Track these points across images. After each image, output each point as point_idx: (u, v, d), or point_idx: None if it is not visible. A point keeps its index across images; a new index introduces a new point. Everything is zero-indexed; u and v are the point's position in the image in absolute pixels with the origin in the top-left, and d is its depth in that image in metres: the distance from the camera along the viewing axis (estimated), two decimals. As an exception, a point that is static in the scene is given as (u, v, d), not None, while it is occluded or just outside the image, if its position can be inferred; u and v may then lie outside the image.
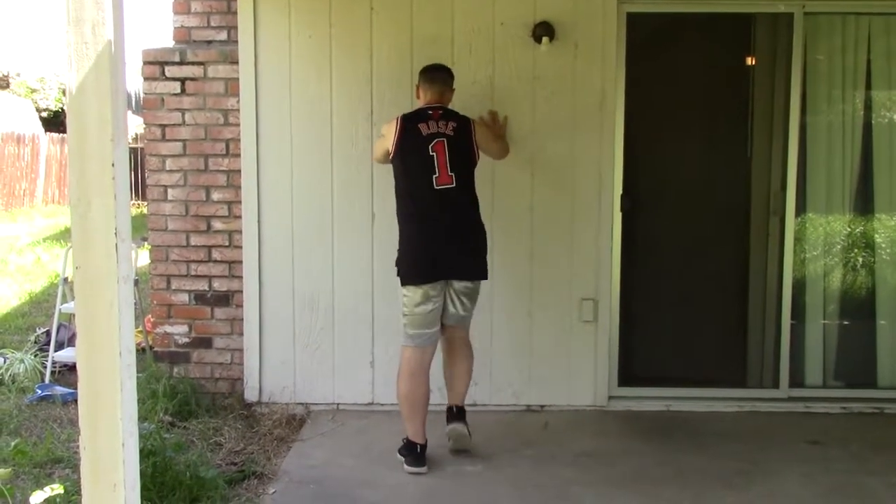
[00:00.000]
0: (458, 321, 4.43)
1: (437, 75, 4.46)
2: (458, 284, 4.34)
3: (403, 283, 4.33)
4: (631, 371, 5.31)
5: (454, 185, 4.26)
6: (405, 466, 4.27)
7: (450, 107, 4.46)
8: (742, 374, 5.54)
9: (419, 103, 4.48)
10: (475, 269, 4.40)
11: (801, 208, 5.27)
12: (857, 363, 5.47)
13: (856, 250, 5.48)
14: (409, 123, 4.32)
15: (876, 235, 5.43)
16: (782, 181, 5.19)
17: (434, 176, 4.23)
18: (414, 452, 4.28)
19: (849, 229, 5.45)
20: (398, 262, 4.39)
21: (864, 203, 5.41)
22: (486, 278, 4.47)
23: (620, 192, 5.07)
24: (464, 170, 4.32)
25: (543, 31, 4.87)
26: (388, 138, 4.37)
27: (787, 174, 5.16)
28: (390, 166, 4.44)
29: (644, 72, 5.18)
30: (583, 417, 5.05)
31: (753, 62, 5.53)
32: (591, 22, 4.94)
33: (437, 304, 4.29)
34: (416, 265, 4.31)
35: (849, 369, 5.46)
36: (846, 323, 5.51)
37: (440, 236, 4.28)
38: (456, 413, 4.53)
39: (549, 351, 5.11)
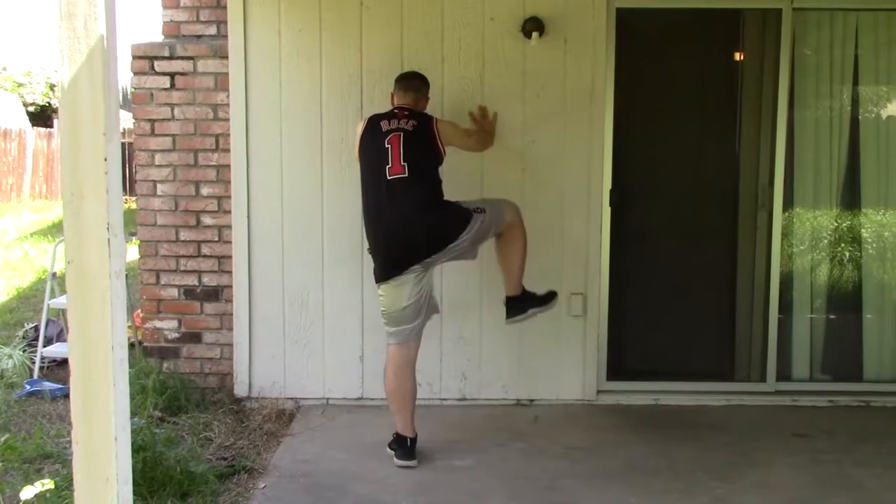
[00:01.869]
0: (480, 234, 4.35)
1: (411, 83, 4.53)
2: (432, 259, 4.27)
3: (376, 282, 4.37)
4: (619, 365, 5.34)
5: (406, 174, 4.24)
6: (395, 460, 4.28)
7: (429, 109, 4.54)
8: (730, 367, 5.57)
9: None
10: (436, 241, 4.27)
11: (788, 203, 5.31)
12: (843, 357, 5.52)
13: (842, 245, 5.52)
14: (374, 122, 4.41)
15: (862, 230, 5.47)
16: (770, 176, 5.23)
17: (387, 166, 4.25)
18: (404, 446, 4.30)
19: (836, 224, 5.49)
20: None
21: (851, 198, 5.45)
22: (454, 240, 4.26)
23: (610, 186, 5.09)
24: (419, 163, 4.29)
25: (533, 26, 4.88)
26: (357, 136, 4.46)
27: (774, 169, 5.19)
28: None
29: (633, 67, 5.20)
30: (572, 411, 5.08)
31: (742, 57, 5.56)
32: (581, 17, 4.96)
33: (410, 298, 4.27)
34: (378, 262, 4.34)
35: (835, 363, 5.51)
36: (833, 317, 5.56)
37: (392, 228, 4.26)
38: (511, 301, 4.56)
39: (538, 345, 5.13)
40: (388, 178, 4.25)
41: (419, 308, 4.32)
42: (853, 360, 5.46)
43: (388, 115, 4.42)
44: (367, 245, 4.49)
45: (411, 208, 4.24)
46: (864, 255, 5.48)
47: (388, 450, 4.36)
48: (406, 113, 4.41)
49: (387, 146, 4.28)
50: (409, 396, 4.35)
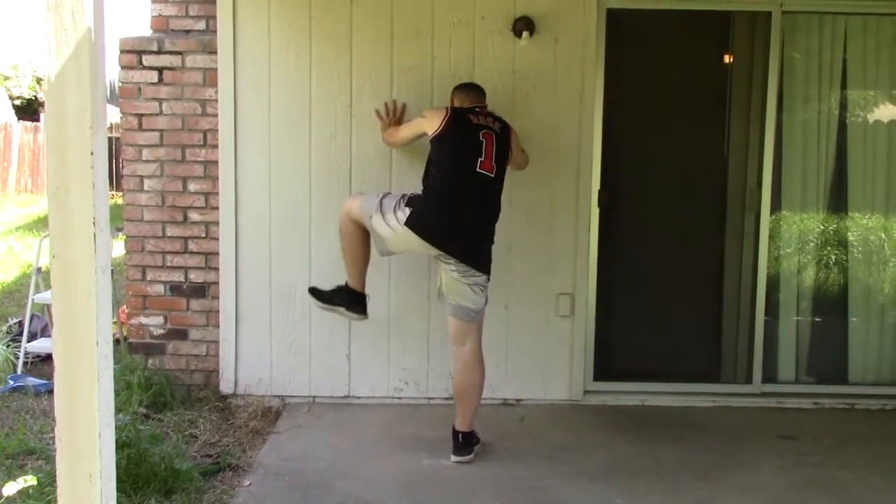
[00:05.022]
0: (456, 311, 4.33)
1: (473, 87, 4.59)
2: (449, 266, 4.28)
3: (410, 226, 4.24)
4: (607, 365, 5.34)
5: (493, 175, 4.32)
6: (348, 313, 4.59)
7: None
8: (716, 368, 5.59)
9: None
10: (472, 254, 4.31)
11: (776, 205, 5.33)
12: (828, 359, 5.54)
13: (829, 248, 5.54)
14: (460, 112, 4.40)
15: (849, 233, 5.50)
16: (758, 178, 5.24)
17: (479, 159, 4.28)
18: (361, 304, 4.59)
19: (822, 227, 5.51)
20: (415, 205, 4.29)
21: (838, 201, 5.47)
22: (482, 270, 4.33)
23: (599, 187, 5.09)
24: (501, 167, 4.38)
25: (524, 25, 4.88)
26: (430, 121, 4.39)
27: (762, 171, 5.21)
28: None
29: (624, 68, 5.22)
30: (559, 411, 5.08)
31: (731, 60, 5.58)
32: (572, 17, 4.95)
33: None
34: (437, 226, 4.27)
35: (821, 365, 5.53)
36: (819, 319, 5.58)
37: (463, 217, 4.30)
38: (460, 442, 4.34)
39: (525, 345, 5.13)
40: (478, 170, 4.28)
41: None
42: (838, 363, 5.49)
43: (472, 111, 4.41)
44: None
45: (487, 213, 4.38)
46: (850, 259, 5.50)
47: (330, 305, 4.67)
48: (487, 112, 4.45)
49: (481, 140, 4.30)
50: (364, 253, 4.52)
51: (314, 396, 5.14)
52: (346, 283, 4.59)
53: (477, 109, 4.43)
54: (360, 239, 4.47)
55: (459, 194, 4.31)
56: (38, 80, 22.84)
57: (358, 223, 4.43)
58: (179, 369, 5.19)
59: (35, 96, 23.21)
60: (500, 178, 4.39)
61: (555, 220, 5.08)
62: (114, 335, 5.53)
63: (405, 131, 4.64)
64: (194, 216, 5.12)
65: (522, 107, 4.99)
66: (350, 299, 4.58)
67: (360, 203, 4.44)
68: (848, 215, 5.49)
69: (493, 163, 4.30)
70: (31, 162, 19.06)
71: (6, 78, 23.61)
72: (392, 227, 4.29)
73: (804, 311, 5.52)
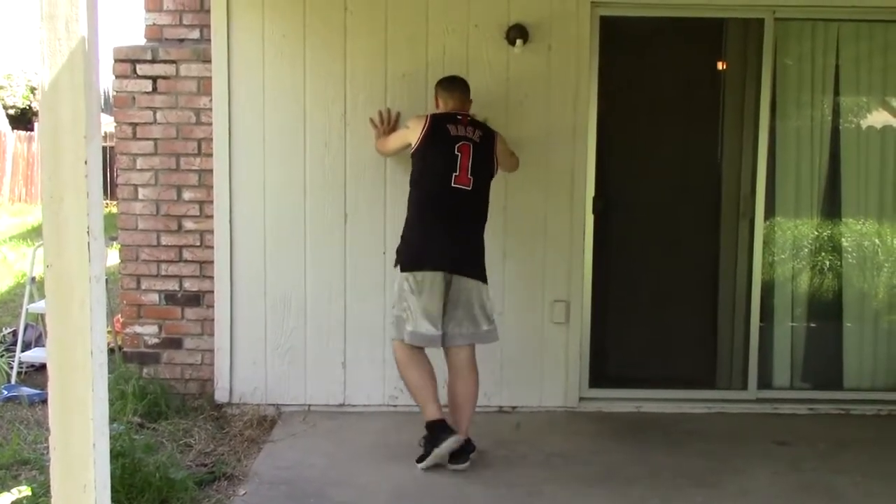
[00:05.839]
0: (460, 338, 4.35)
1: (456, 86, 4.56)
2: (455, 286, 4.30)
3: (406, 270, 4.30)
4: (602, 372, 5.34)
5: (470, 188, 4.31)
6: (443, 449, 4.21)
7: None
8: (712, 375, 5.59)
9: (440, 111, 4.53)
10: (473, 268, 4.36)
11: (770, 211, 5.34)
12: (823, 365, 5.54)
13: (823, 254, 5.55)
14: (438, 122, 4.39)
15: (843, 239, 5.51)
16: (752, 184, 5.26)
17: (454, 174, 4.29)
18: (445, 431, 4.25)
19: (817, 233, 5.52)
20: (400, 250, 4.39)
21: (832, 207, 5.48)
22: (484, 281, 4.40)
23: (593, 194, 5.10)
24: (481, 178, 4.37)
25: (517, 33, 4.89)
26: (413, 131, 4.42)
27: (756, 177, 5.22)
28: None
29: (617, 75, 5.23)
30: (554, 418, 5.08)
31: (725, 66, 5.60)
32: (565, 24, 4.97)
33: (440, 299, 4.26)
34: (422, 252, 4.30)
35: (816, 371, 5.54)
36: (813, 325, 5.59)
37: (446, 232, 4.30)
38: (458, 448, 4.31)
39: (520, 352, 5.13)
40: (452, 185, 4.28)
41: (440, 315, 4.29)
42: (833, 369, 5.49)
43: (452, 119, 4.41)
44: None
45: (471, 226, 4.37)
46: (844, 264, 5.51)
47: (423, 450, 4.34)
48: (469, 120, 4.44)
49: (457, 154, 4.30)
50: (433, 380, 4.37)
51: (309, 405, 5.13)
52: (425, 424, 4.31)
53: (458, 117, 4.42)
54: (411, 360, 4.36)
55: (438, 211, 4.33)
56: (32, 90, 22.77)
57: (402, 348, 4.36)
58: (174, 378, 5.18)
59: (29, 105, 23.17)
60: (481, 189, 4.38)
61: (549, 227, 5.08)
62: (108, 344, 5.52)
63: (392, 142, 4.67)
64: (189, 225, 5.11)
65: (516, 114, 5.00)
66: (432, 435, 4.26)
67: (391, 337, 4.48)
68: (842, 221, 5.50)
69: (469, 175, 4.30)
70: (24, 171, 19.03)
71: (0, 87, 23.57)
72: (404, 289, 4.29)
73: (799, 316, 5.52)
